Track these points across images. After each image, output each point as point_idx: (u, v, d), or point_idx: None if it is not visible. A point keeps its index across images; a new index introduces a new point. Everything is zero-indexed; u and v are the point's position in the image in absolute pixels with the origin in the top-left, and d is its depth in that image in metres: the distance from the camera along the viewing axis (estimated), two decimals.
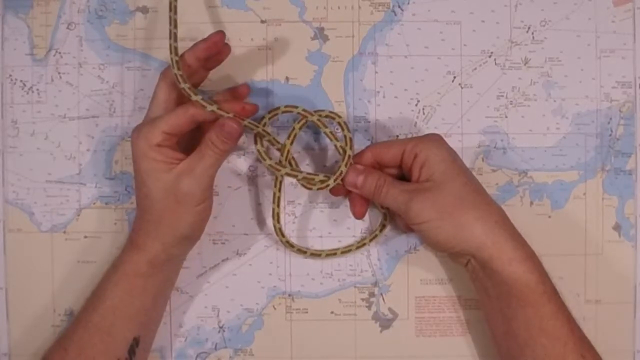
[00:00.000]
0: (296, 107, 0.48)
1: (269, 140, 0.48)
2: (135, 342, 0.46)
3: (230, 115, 0.44)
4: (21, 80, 0.52)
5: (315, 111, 0.48)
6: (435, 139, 0.46)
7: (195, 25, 0.52)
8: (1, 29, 0.52)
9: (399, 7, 0.52)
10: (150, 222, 0.45)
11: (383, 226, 0.51)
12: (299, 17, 0.52)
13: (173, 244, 0.46)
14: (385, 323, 0.52)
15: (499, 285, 0.44)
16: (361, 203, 0.49)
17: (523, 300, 0.43)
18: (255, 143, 0.48)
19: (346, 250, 0.51)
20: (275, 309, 0.52)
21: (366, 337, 0.52)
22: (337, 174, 0.47)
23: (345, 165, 0.47)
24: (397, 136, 0.52)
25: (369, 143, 0.52)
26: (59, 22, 0.52)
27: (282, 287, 0.52)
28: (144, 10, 0.52)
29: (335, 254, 0.51)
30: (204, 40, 0.46)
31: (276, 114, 0.48)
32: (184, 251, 0.49)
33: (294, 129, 0.48)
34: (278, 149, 0.48)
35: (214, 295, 0.52)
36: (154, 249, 0.46)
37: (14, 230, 0.52)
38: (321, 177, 0.48)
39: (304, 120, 0.48)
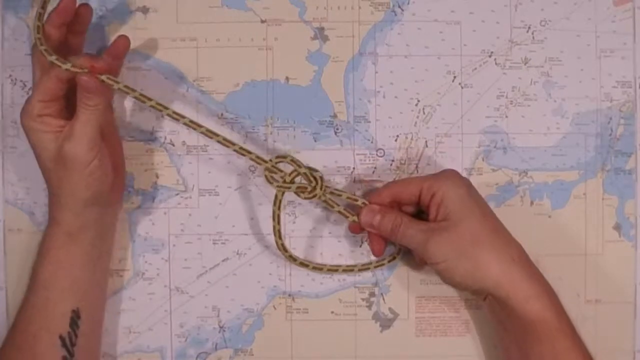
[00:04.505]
0: (285, 156, 0.48)
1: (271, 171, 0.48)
2: (76, 314, 0.47)
3: (85, 71, 0.45)
4: (21, 80, 0.52)
5: (308, 168, 0.48)
6: (452, 176, 0.47)
7: (195, 25, 0.52)
8: (1, 29, 0.52)
9: (399, 7, 0.52)
10: (55, 194, 0.47)
11: (393, 258, 0.51)
12: (299, 17, 0.52)
13: (80, 210, 0.46)
14: (385, 323, 0.52)
15: (515, 321, 0.44)
16: (379, 241, 0.49)
17: (539, 336, 0.44)
18: (268, 181, 0.48)
19: (348, 269, 0.51)
20: (275, 309, 0.52)
21: (366, 337, 0.52)
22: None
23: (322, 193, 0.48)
24: (397, 136, 0.52)
25: (369, 143, 0.52)
26: None
27: (282, 287, 0.52)
28: (144, 10, 0.52)
29: (336, 270, 0.51)
30: (55, 8, 0.46)
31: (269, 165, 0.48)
32: (99, 217, 0.48)
33: (277, 197, 0.48)
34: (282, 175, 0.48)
35: (214, 295, 0.52)
36: (66, 219, 0.47)
37: (14, 230, 0.52)
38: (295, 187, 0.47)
39: (285, 190, 0.48)
